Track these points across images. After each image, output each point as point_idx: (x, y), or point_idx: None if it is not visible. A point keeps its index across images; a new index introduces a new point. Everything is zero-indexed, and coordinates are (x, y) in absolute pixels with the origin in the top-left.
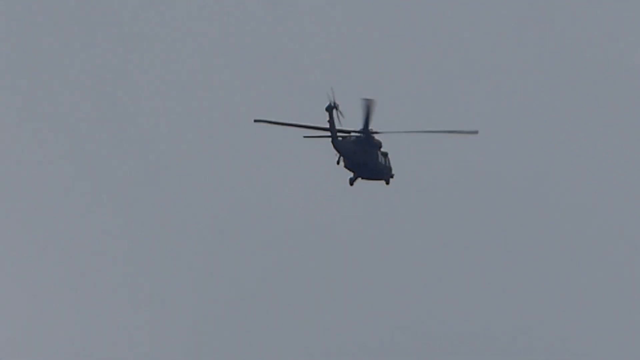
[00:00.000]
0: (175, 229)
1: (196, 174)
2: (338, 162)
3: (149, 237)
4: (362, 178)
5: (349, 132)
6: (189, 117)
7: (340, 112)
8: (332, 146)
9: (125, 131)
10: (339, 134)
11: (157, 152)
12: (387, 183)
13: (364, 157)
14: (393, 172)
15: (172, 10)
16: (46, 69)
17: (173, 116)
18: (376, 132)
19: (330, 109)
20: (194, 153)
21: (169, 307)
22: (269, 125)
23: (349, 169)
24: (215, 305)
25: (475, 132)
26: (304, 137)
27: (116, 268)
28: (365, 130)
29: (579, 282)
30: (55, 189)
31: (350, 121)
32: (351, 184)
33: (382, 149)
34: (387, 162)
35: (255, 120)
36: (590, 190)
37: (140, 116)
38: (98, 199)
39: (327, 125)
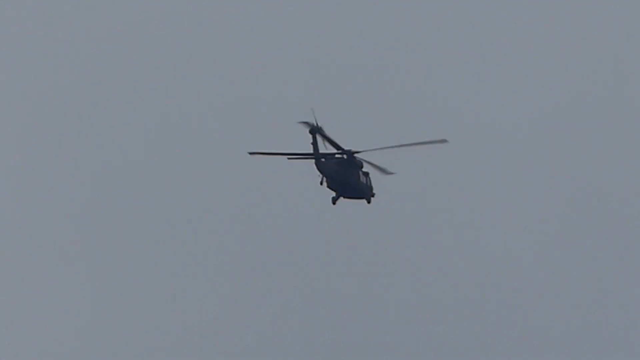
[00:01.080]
0: (166, 249)
1: (185, 192)
2: (321, 183)
3: (145, 254)
4: (344, 197)
5: (333, 153)
6: (175, 145)
7: (324, 135)
8: (315, 167)
9: (121, 159)
10: (322, 155)
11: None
12: (369, 202)
13: (345, 177)
14: (374, 191)
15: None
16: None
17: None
18: (357, 152)
19: (313, 131)
20: (182, 171)
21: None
22: (263, 156)
23: (331, 188)
24: (203, 323)
25: (445, 141)
26: (288, 159)
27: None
28: (346, 151)
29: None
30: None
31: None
32: (334, 203)
33: (363, 169)
34: (369, 181)
35: (249, 153)
36: (577, 214)
37: (136, 146)
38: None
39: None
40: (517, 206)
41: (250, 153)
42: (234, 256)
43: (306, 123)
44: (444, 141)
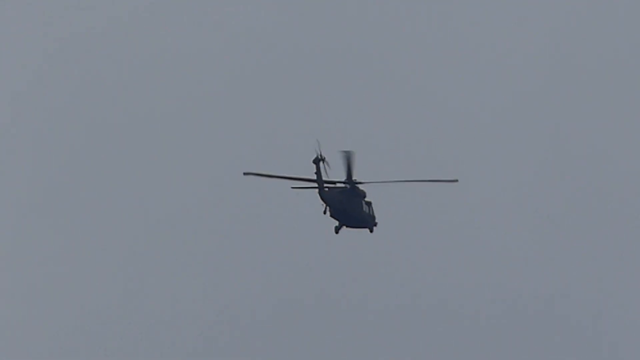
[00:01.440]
0: (163, 281)
1: (186, 226)
2: (325, 212)
3: (143, 283)
4: (347, 226)
5: (334, 182)
6: (179, 168)
7: (327, 164)
8: (319, 197)
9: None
10: (325, 184)
11: (145, 203)
12: (371, 231)
13: (348, 206)
14: (377, 220)
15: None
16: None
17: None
18: (360, 182)
19: (317, 161)
20: (183, 205)
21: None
22: (258, 177)
23: (334, 217)
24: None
25: (455, 181)
26: (292, 188)
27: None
28: (350, 181)
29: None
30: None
31: (336, 172)
32: (337, 232)
33: (366, 198)
34: (371, 210)
35: (244, 173)
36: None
37: (132, 166)
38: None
39: (314, 176)
40: (523, 237)
41: (245, 173)
42: (235, 284)
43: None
44: (454, 181)
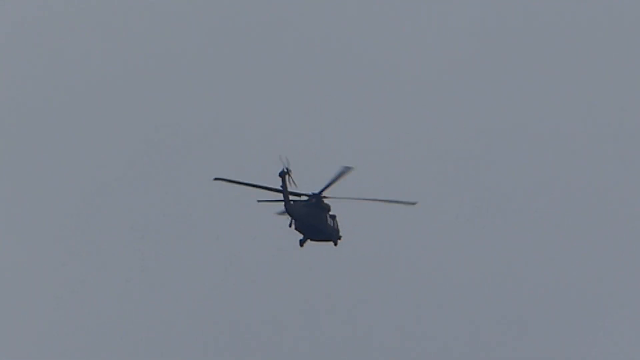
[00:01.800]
0: (125, 292)
1: (151, 232)
2: (290, 225)
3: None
4: (312, 240)
5: (299, 195)
6: (146, 174)
7: (293, 179)
8: (285, 210)
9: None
10: (290, 197)
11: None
12: (335, 244)
13: (313, 220)
14: (341, 233)
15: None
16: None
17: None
18: (325, 197)
19: (283, 174)
20: (150, 211)
21: None
22: (228, 184)
23: (299, 230)
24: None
25: (414, 203)
26: (258, 201)
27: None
28: (317, 194)
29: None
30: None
31: (302, 186)
32: (301, 245)
33: (330, 212)
34: (336, 224)
35: (214, 179)
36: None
37: (104, 173)
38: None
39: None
40: (485, 257)
41: (216, 179)
42: (197, 293)
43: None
44: (413, 203)
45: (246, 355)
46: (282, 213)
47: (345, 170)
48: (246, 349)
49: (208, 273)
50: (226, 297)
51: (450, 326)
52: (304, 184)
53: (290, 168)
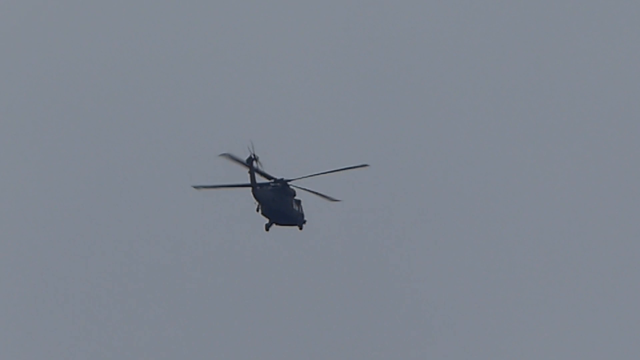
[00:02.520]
0: (98, 282)
1: (121, 220)
2: (257, 210)
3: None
4: (277, 224)
5: (269, 178)
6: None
7: (260, 164)
8: (252, 195)
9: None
10: (257, 183)
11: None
12: (300, 228)
13: (279, 204)
14: (305, 218)
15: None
16: None
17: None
18: (289, 180)
19: (250, 160)
20: (119, 204)
21: None
22: (209, 189)
23: (265, 215)
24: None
25: (366, 166)
26: (194, 187)
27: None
28: (280, 180)
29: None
30: None
31: (270, 170)
32: (267, 229)
33: (295, 197)
34: (300, 209)
35: (194, 187)
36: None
37: (78, 180)
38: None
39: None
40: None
41: (196, 187)
42: (166, 282)
43: (226, 155)
44: (365, 166)
45: (216, 340)
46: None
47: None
48: (217, 334)
49: (177, 259)
50: (197, 282)
51: (415, 309)
52: (270, 170)
53: (257, 154)
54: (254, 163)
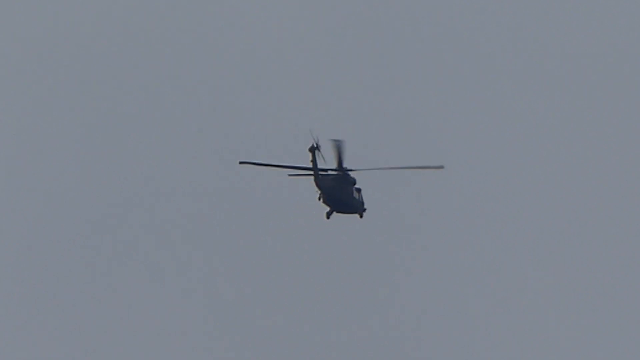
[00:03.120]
0: (159, 269)
1: (182, 215)
2: (319, 199)
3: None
4: (338, 212)
5: (326, 170)
6: (174, 158)
7: (322, 153)
8: (314, 184)
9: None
10: (319, 172)
11: (143, 196)
12: (361, 216)
13: (340, 193)
14: (365, 206)
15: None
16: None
17: (157, 157)
18: (350, 170)
19: (312, 149)
20: (179, 193)
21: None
22: (254, 166)
23: (326, 203)
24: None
25: (441, 167)
26: (289, 175)
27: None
28: (341, 169)
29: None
30: None
31: (330, 160)
32: (328, 217)
33: (356, 185)
34: (361, 197)
35: (240, 162)
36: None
37: (127, 157)
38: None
39: (309, 165)
40: (521, 225)
41: (241, 162)
42: (228, 269)
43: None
44: (440, 167)
45: (272, 325)
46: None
47: (338, 142)
48: (273, 320)
49: (240, 245)
50: (258, 267)
51: (478, 296)
52: (331, 160)
53: (319, 143)
54: (316, 152)
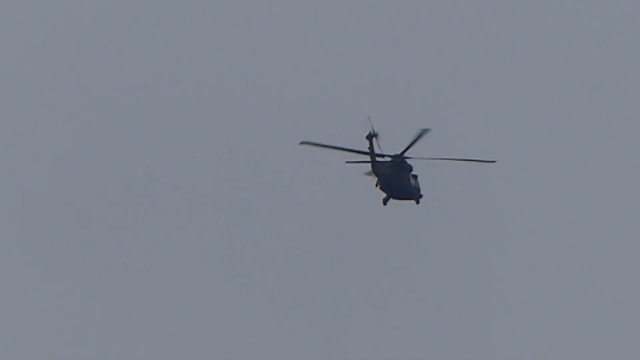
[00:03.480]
0: (215, 250)
1: (240, 192)
2: (376, 185)
3: (190, 265)
4: (394, 198)
5: (383, 156)
6: (234, 140)
7: (378, 142)
8: (371, 170)
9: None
10: (377, 159)
11: (206, 176)
12: (417, 203)
13: (396, 179)
14: (421, 192)
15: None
16: None
17: (216, 138)
18: (408, 157)
19: (370, 137)
20: (238, 172)
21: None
22: (314, 147)
23: (383, 190)
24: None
25: (493, 162)
26: (347, 162)
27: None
28: (399, 155)
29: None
30: None
31: (386, 146)
32: (384, 203)
33: (412, 172)
34: (417, 184)
35: (301, 143)
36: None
37: (188, 141)
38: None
39: (366, 150)
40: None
41: (302, 143)
42: (284, 250)
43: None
44: (492, 162)
45: (337, 306)
46: (369, 174)
47: (424, 131)
48: (334, 301)
49: (299, 229)
50: (316, 250)
51: (531, 280)
52: (388, 146)
53: (377, 131)
54: (374, 139)
